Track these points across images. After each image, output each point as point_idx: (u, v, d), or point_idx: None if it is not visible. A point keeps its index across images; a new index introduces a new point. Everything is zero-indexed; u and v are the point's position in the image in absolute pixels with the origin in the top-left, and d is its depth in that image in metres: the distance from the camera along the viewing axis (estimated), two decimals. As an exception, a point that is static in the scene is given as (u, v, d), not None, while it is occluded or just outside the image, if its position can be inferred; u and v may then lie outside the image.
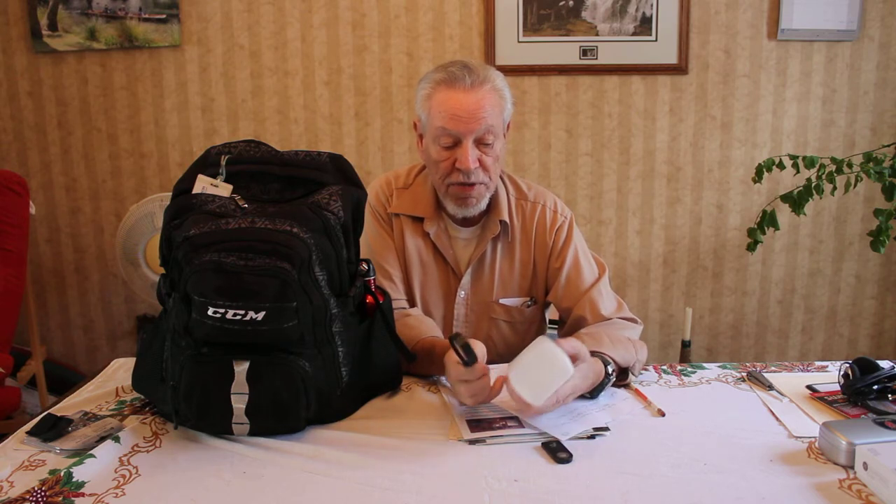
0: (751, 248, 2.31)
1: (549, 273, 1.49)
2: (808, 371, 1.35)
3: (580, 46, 2.71)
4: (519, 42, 2.72)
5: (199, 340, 1.04)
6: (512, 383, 1.07)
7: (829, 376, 1.28)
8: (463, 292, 1.48)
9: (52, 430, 1.07)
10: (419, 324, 1.38)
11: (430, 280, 1.48)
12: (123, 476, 0.97)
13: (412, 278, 1.48)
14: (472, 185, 1.37)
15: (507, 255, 1.48)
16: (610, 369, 1.21)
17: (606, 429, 1.10)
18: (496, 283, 1.48)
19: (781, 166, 2.24)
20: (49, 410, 1.16)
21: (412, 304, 1.48)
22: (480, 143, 1.36)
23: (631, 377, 1.28)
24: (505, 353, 1.45)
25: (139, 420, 1.14)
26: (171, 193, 1.20)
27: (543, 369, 1.07)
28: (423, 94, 1.38)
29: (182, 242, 1.04)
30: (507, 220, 1.46)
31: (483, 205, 1.43)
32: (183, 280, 1.03)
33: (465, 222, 1.48)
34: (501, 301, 1.49)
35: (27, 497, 0.91)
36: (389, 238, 1.48)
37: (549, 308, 1.59)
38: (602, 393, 1.22)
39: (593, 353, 1.22)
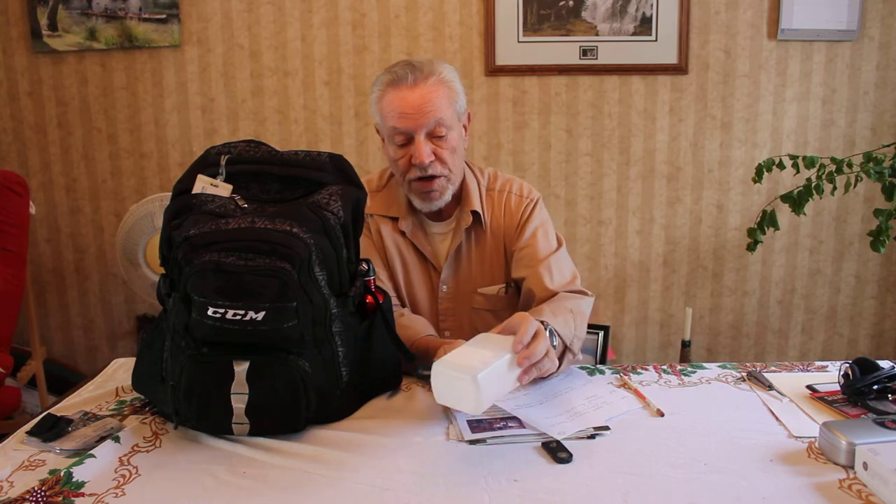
0: (751, 248, 2.31)
1: (515, 252, 1.50)
2: (808, 371, 1.35)
3: (580, 46, 2.71)
4: (519, 42, 2.72)
5: (199, 340, 1.04)
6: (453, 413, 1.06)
7: (829, 376, 1.28)
8: (445, 286, 1.49)
9: (52, 430, 1.07)
10: (413, 323, 1.39)
11: (412, 278, 1.50)
12: (123, 476, 0.97)
13: (396, 278, 1.49)
14: (432, 178, 1.39)
15: (481, 245, 1.49)
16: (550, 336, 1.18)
17: (606, 428, 1.10)
18: (474, 274, 1.49)
19: (781, 166, 2.24)
20: (49, 410, 1.16)
21: (401, 303, 1.49)
22: (433, 136, 1.37)
23: (569, 356, 1.27)
24: None
25: (139, 420, 1.14)
26: (170, 193, 1.20)
27: (455, 389, 1.03)
28: (374, 97, 1.41)
29: (182, 242, 1.04)
30: (479, 209, 1.47)
31: (448, 196, 1.44)
32: (183, 280, 1.03)
33: (439, 217, 1.50)
34: (481, 290, 1.50)
35: (27, 497, 0.91)
36: (369, 240, 1.49)
37: None
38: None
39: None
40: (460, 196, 1.48)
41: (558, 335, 1.23)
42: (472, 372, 0.99)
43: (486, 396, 1.01)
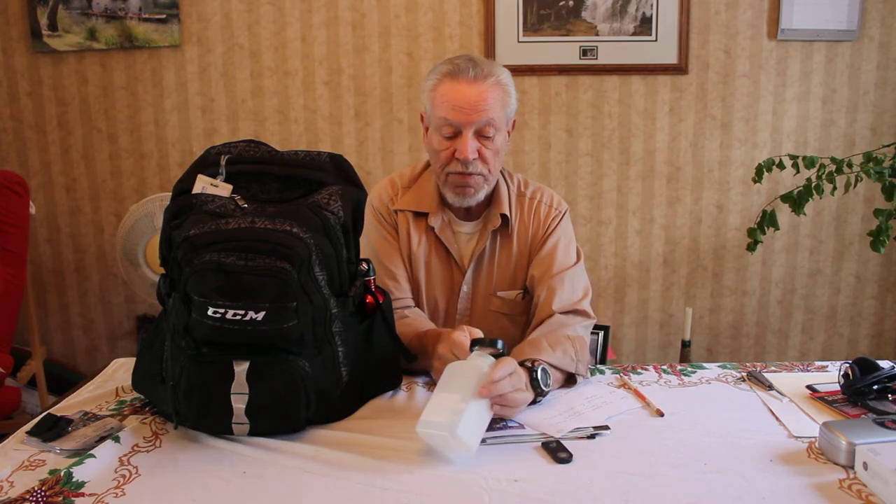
0: (751, 248, 2.31)
1: (534, 260, 1.50)
2: (808, 371, 1.35)
3: (580, 46, 2.71)
4: (519, 42, 2.72)
5: (199, 340, 1.04)
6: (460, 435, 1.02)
7: (829, 376, 1.28)
8: (466, 287, 1.49)
9: (52, 430, 1.07)
10: (415, 322, 1.39)
11: (434, 276, 1.49)
12: (123, 476, 0.97)
13: (418, 275, 1.49)
14: (470, 174, 1.39)
15: (505, 249, 1.49)
16: (539, 373, 1.18)
17: (606, 428, 1.10)
18: (495, 277, 1.49)
19: (781, 166, 2.24)
20: (49, 410, 1.16)
21: (417, 302, 1.49)
22: (481, 135, 1.38)
23: (579, 379, 1.28)
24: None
25: (139, 420, 1.14)
26: (170, 193, 1.20)
27: (444, 442, 1.03)
28: (429, 85, 1.41)
29: (182, 242, 1.04)
30: (508, 213, 1.47)
31: (481, 196, 1.44)
32: (183, 280, 1.03)
33: (468, 216, 1.49)
34: (500, 294, 1.49)
35: (27, 497, 0.91)
36: (394, 239, 1.48)
37: None
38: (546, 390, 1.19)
39: (525, 362, 1.20)
40: (490, 197, 1.48)
41: (557, 368, 1.24)
42: (451, 428, 0.99)
43: (472, 439, 1.02)
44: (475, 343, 1.14)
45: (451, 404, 1.02)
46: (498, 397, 1.08)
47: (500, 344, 1.12)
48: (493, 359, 1.11)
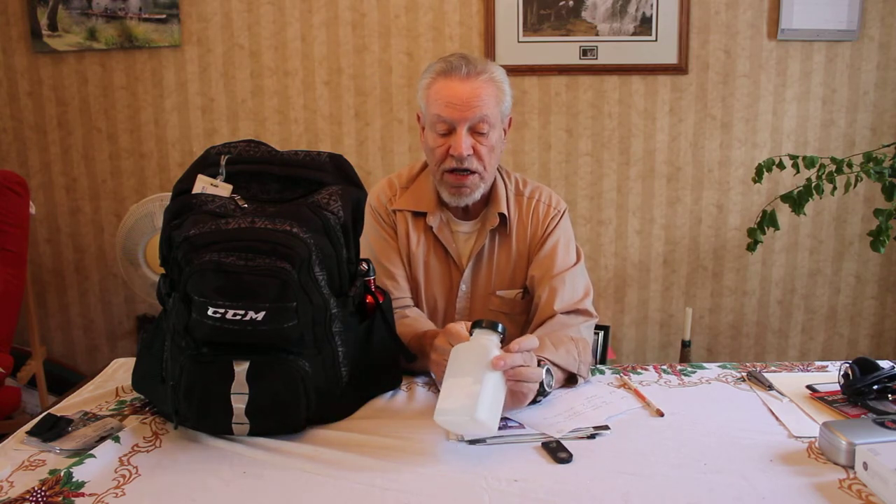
0: (751, 248, 2.31)
1: (533, 260, 1.50)
2: (808, 371, 1.35)
3: (580, 46, 2.71)
4: (519, 42, 2.72)
5: (199, 340, 1.04)
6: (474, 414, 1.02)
7: (829, 376, 1.28)
8: (464, 286, 1.49)
9: (52, 430, 1.07)
10: (415, 323, 1.39)
11: (432, 276, 1.50)
12: (123, 476, 0.97)
13: (416, 275, 1.49)
14: (466, 173, 1.39)
15: (504, 248, 1.49)
16: (544, 371, 1.18)
17: (606, 428, 1.10)
18: (493, 276, 1.49)
19: (781, 166, 2.24)
20: (49, 410, 1.16)
21: (417, 301, 1.49)
22: (475, 131, 1.38)
23: (580, 380, 1.27)
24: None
25: (139, 420, 1.14)
26: (170, 193, 1.20)
27: (464, 427, 1.04)
28: (424, 84, 1.42)
29: (182, 242, 1.04)
30: (506, 212, 1.47)
31: (477, 195, 1.44)
32: (183, 280, 1.03)
33: (466, 215, 1.49)
34: (499, 293, 1.50)
35: (27, 497, 0.91)
36: (392, 239, 1.49)
37: None
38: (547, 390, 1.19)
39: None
40: (488, 197, 1.48)
41: (560, 368, 1.24)
42: (470, 412, 1.00)
43: (492, 419, 1.02)
44: (475, 325, 1.13)
45: (465, 388, 1.02)
46: (511, 371, 1.07)
47: (500, 327, 1.11)
48: (498, 337, 1.10)
